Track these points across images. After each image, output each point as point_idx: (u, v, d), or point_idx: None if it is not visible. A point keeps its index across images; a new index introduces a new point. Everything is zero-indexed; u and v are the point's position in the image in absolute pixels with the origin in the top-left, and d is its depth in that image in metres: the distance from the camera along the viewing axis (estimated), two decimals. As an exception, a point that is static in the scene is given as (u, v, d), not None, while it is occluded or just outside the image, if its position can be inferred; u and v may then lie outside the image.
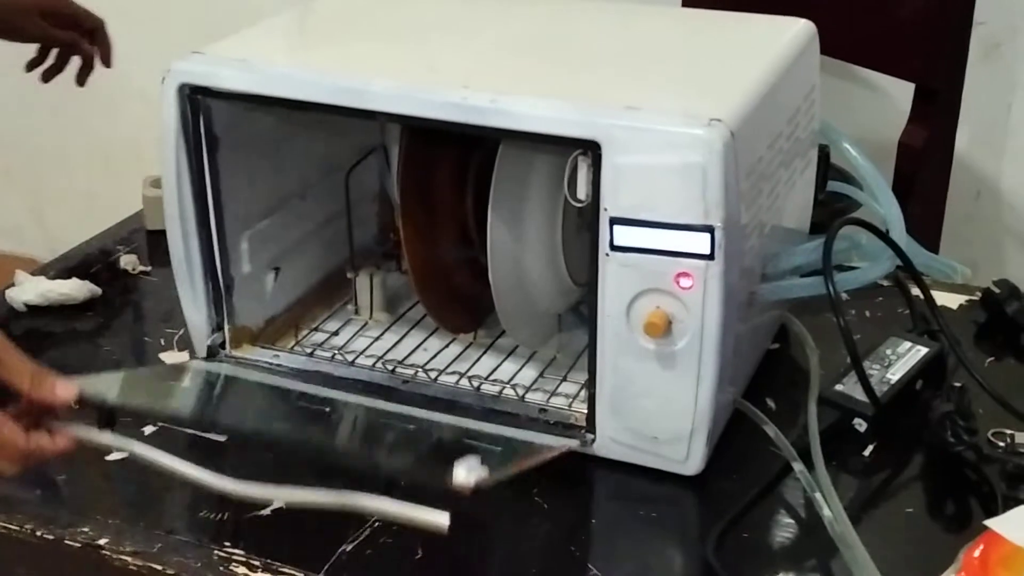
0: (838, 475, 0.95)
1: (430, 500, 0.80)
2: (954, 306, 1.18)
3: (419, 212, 1.05)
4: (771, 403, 1.04)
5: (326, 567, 0.88)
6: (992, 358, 1.12)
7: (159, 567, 0.89)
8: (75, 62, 1.40)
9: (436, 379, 1.03)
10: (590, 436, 0.97)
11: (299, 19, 1.13)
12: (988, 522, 0.84)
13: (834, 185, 1.17)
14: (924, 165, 1.68)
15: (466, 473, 0.82)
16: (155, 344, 1.14)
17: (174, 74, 1.00)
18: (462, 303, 1.07)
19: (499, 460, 0.92)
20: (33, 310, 1.19)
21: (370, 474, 0.88)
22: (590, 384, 0.95)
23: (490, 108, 0.91)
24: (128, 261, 1.27)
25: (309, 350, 1.09)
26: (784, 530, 0.93)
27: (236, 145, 1.03)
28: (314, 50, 1.07)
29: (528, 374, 1.05)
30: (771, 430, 0.96)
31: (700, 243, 0.88)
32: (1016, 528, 0.82)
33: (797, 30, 1.08)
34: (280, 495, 0.87)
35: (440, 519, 0.79)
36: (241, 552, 0.90)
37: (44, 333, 1.17)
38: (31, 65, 1.41)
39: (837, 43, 1.27)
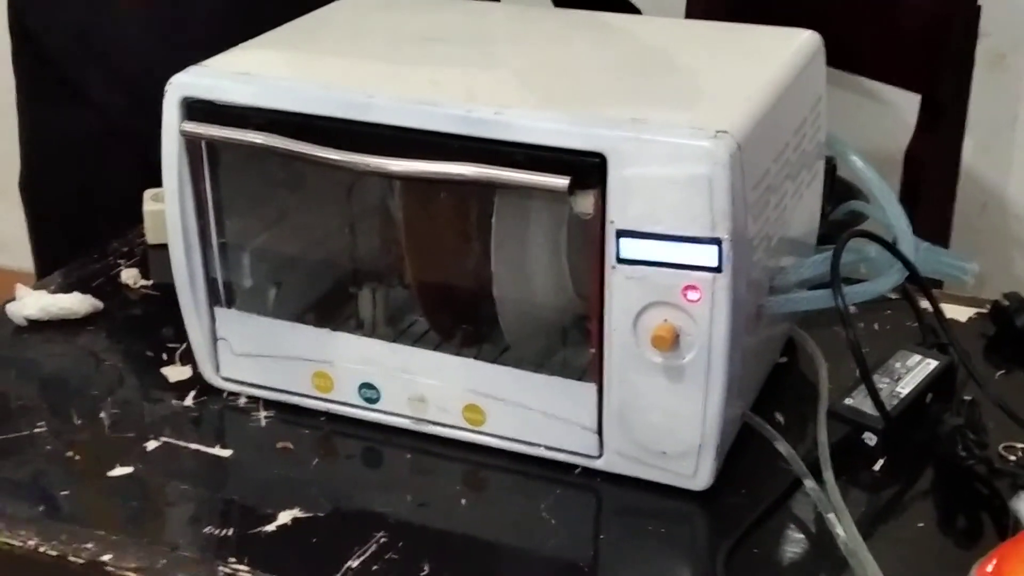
0: (848, 490, 0.94)
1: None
2: (963, 319, 1.17)
3: (421, 224, 1.05)
4: (780, 417, 1.03)
5: (331, 584, 0.87)
6: (1002, 371, 1.11)
7: (163, 584, 0.88)
8: None
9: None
10: (598, 451, 0.96)
11: (301, 32, 1.13)
12: None
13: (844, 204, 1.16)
14: (930, 176, 1.68)
15: None
16: (157, 359, 1.13)
17: (176, 87, 0.99)
18: (465, 317, 1.07)
19: None
20: (34, 324, 1.18)
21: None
22: (597, 399, 0.95)
23: (494, 120, 0.91)
24: (129, 275, 1.26)
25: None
26: (794, 545, 0.92)
27: (238, 158, 1.03)
28: (317, 63, 1.07)
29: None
30: (782, 446, 0.95)
31: (707, 256, 0.87)
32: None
33: (803, 41, 1.07)
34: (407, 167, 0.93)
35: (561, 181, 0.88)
36: (246, 568, 0.89)
37: (45, 348, 1.16)
38: None
39: (843, 54, 1.27)
